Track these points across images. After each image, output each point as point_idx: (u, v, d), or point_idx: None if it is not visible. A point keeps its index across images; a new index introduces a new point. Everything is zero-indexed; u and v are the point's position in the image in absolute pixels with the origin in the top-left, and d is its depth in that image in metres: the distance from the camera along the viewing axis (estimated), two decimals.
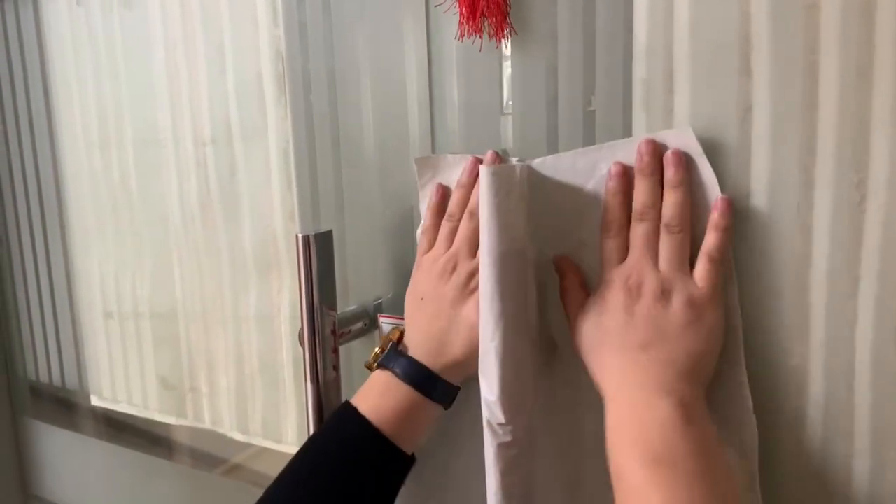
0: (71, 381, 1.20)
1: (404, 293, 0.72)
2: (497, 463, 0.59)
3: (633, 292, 0.57)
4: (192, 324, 1.00)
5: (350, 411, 0.65)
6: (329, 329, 0.74)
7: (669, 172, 0.58)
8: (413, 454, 0.66)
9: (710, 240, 0.57)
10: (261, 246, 0.90)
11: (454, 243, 0.67)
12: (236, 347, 0.96)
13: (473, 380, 0.62)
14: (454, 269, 0.66)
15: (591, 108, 0.63)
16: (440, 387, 0.65)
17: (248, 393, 0.96)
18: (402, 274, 0.78)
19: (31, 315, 1.23)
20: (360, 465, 0.63)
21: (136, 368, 1.08)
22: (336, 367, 0.76)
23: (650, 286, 0.57)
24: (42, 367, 1.23)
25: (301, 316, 0.73)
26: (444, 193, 0.70)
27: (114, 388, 1.12)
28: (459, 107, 0.71)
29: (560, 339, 0.65)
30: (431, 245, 0.70)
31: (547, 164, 0.63)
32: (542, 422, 0.64)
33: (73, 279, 1.14)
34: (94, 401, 1.16)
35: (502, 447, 0.59)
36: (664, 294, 0.56)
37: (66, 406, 1.22)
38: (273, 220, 0.88)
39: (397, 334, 0.70)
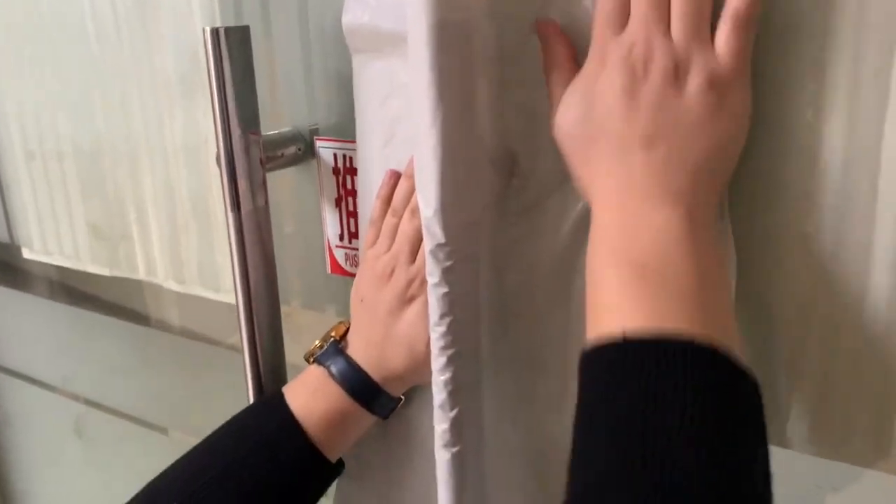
0: (0, 233, 1.09)
1: (346, 117, 0.60)
2: (439, 306, 0.50)
3: (638, 70, 0.43)
4: (118, 162, 0.88)
5: (277, 402, 0.59)
6: (252, 146, 0.63)
7: None
8: (340, 461, 0.60)
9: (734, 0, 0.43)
10: (182, 63, 0.77)
11: (394, 244, 0.58)
12: (165, 187, 0.85)
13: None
14: (392, 273, 0.58)
15: None
16: (377, 397, 0.59)
17: (181, 238, 0.86)
18: (345, 93, 0.66)
19: None
20: (275, 464, 0.57)
21: (65, 216, 0.98)
22: (265, 195, 0.65)
23: (660, 62, 0.42)
24: None
25: (215, 129, 0.61)
26: (394, 183, 0.59)
27: (44, 240, 1.02)
28: None
29: (524, 157, 0.53)
30: (377, 238, 0.60)
31: None
32: (497, 264, 0.54)
33: None
34: (26, 254, 1.06)
35: (446, 274, 0.49)
36: (678, 72, 0.42)
37: (0, 262, 1.13)
38: (193, 28, 0.75)
39: (342, 330, 0.62)
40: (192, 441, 0.97)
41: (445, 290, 0.50)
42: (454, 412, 0.53)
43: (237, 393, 0.90)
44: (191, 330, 0.95)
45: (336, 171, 0.68)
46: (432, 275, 0.50)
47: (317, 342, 0.62)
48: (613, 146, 0.43)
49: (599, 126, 0.44)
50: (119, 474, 1.13)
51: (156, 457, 1.05)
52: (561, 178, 0.52)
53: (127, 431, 1.07)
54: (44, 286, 1.09)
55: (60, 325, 1.09)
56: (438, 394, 0.53)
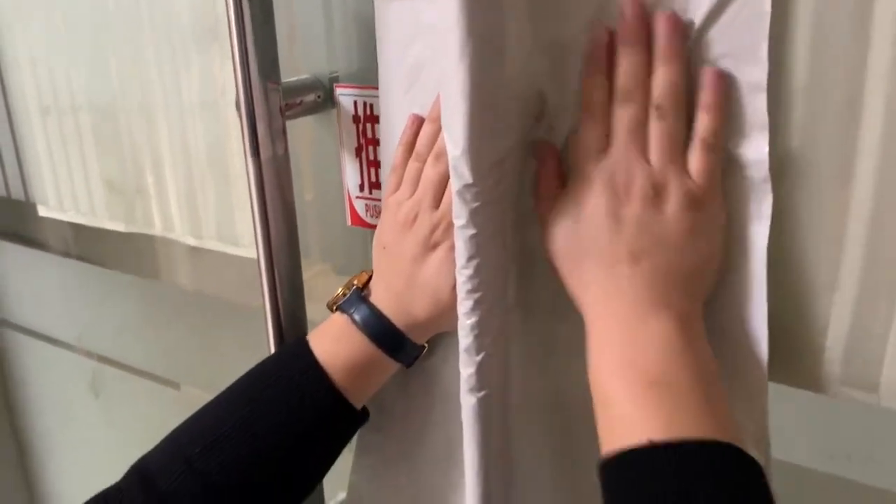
0: (16, 191, 1.09)
1: (366, 63, 0.59)
2: (466, 248, 0.49)
3: (620, 193, 0.47)
4: (133, 116, 0.88)
5: (302, 348, 0.58)
6: (271, 93, 0.62)
7: (661, 41, 0.47)
8: (364, 409, 0.60)
9: (703, 124, 0.46)
10: (198, 13, 0.76)
11: (418, 189, 0.57)
12: (182, 140, 0.84)
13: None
14: (415, 219, 0.57)
15: None
16: (402, 344, 0.58)
17: (198, 193, 0.86)
18: (366, 38, 0.65)
19: None
20: (301, 410, 0.56)
21: (81, 172, 0.97)
22: (284, 143, 0.64)
23: (640, 184, 0.46)
24: None
25: (234, 75, 0.60)
26: (417, 128, 0.58)
27: (59, 196, 1.02)
28: None
29: (551, 97, 0.52)
30: (399, 185, 0.59)
31: None
32: (523, 208, 0.53)
33: (5, 72, 1.01)
34: (41, 211, 1.06)
35: (473, 215, 0.49)
36: (657, 193, 0.46)
37: (15, 219, 1.13)
38: None
39: (364, 277, 0.61)
40: (206, 397, 0.98)
41: (473, 231, 0.49)
42: (480, 356, 0.52)
43: (251, 347, 0.90)
44: (205, 286, 0.95)
45: (356, 119, 0.67)
46: (459, 216, 0.49)
47: (339, 290, 0.61)
48: (602, 262, 0.47)
49: (588, 245, 0.48)
50: (134, 430, 1.14)
51: (170, 412, 1.05)
52: None
53: (141, 388, 1.07)
54: (59, 244, 1.08)
55: (75, 282, 1.09)
56: (464, 338, 0.52)
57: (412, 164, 0.58)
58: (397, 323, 0.58)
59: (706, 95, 0.46)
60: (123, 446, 1.17)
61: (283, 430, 0.56)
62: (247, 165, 0.63)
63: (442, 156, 0.55)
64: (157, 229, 0.92)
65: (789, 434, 0.54)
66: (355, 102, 0.67)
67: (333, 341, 0.58)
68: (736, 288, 0.49)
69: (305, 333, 0.72)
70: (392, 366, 0.59)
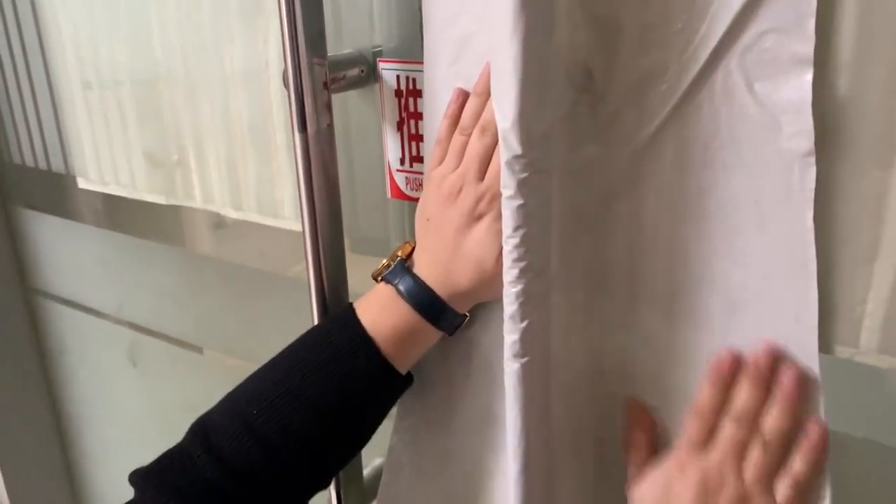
0: (56, 164, 1.11)
1: (409, 38, 0.60)
2: (513, 218, 0.51)
3: (710, 492, 0.51)
4: (175, 89, 0.89)
5: (349, 317, 0.60)
6: (318, 69, 0.63)
7: (784, 392, 0.51)
8: (409, 374, 0.62)
9: (799, 466, 0.51)
10: None
11: (462, 162, 0.58)
12: (223, 113, 0.86)
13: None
14: (460, 191, 0.58)
15: None
16: (444, 313, 0.60)
17: (238, 165, 0.87)
18: (409, 13, 0.66)
19: (8, 92, 1.13)
20: (351, 375, 0.58)
21: (121, 145, 0.99)
22: (329, 117, 0.66)
23: (730, 494, 0.51)
24: (26, 149, 1.15)
25: (283, 49, 0.62)
26: (462, 101, 0.60)
27: (100, 169, 1.04)
28: None
29: (598, 72, 0.54)
30: (443, 158, 0.61)
31: None
32: (568, 180, 0.54)
33: (47, 47, 1.03)
34: (82, 184, 1.08)
35: (521, 186, 0.50)
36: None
37: (55, 192, 1.15)
38: None
39: (408, 249, 0.63)
40: (244, 366, 1.00)
41: (520, 202, 0.51)
42: (524, 323, 0.54)
43: (290, 315, 0.93)
44: (244, 258, 0.97)
45: (398, 93, 0.69)
46: (507, 187, 0.51)
47: (384, 261, 0.63)
48: None
49: None
50: (172, 400, 1.17)
51: (208, 382, 1.08)
52: (636, 95, 0.53)
53: (180, 357, 1.09)
54: (99, 216, 1.11)
55: (114, 254, 1.12)
56: (509, 305, 0.54)
57: (457, 138, 0.59)
58: (440, 293, 0.59)
59: (810, 447, 0.50)
60: (160, 414, 1.20)
61: (334, 395, 0.58)
62: (294, 139, 0.64)
63: (488, 129, 0.56)
64: (198, 202, 0.94)
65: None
66: (398, 77, 0.68)
67: (380, 310, 0.60)
68: (784, 258, 0.50)
69: (346, 300, 0.74)
70: (435, 334, 0.61)
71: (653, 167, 0.54)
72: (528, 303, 0.54)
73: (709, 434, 0.53)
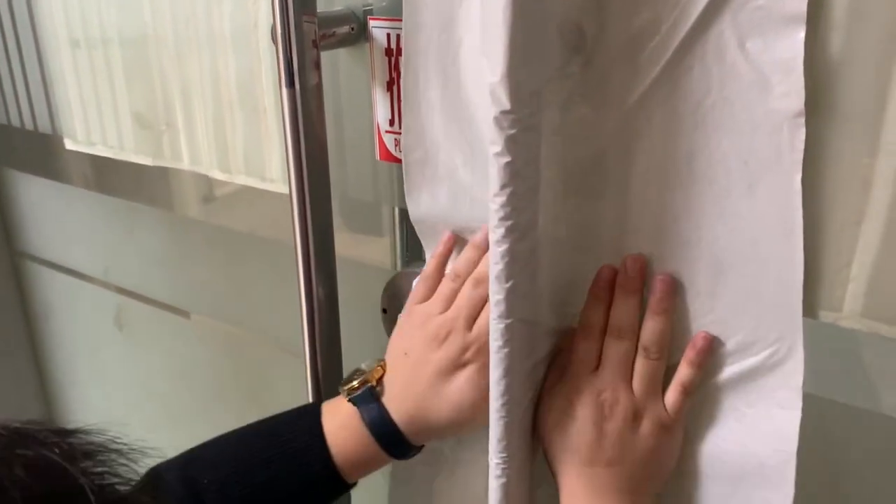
0: (43, 124, 1.10)
1: None
2: (499, 176, 0.50)
3: (606, 410, 0.56)
4: (163, 49, 0.88)
5: (313, 421, 0.63)
6: (307, 25, 0.63)
7: (655, 298, 0.55)
8: (355, 482, 0.65)
9: (684, 372, 0.56)
10: None
11: (452, 308, 0.62)
12: (212, 73, 0.85)
13: None
14: (447, 336, 0.61)
15: None
16: (402, 445, 0.62)
17: (227, 126, 0.87)
18: None
19: None
20: (301, 476, 0.62)
21: (109, 106, 0.98)
22: (318, 76, 0.65)
23: (623, 407, 0.56)
24: (12, 109, 1.13)
25: (272, 7, 0.61)
26: (452, 246, 0.65)
27: (87, 130, 1.03)
28: None
29: (590, 30, 0.53)
30: (427, 296, 0.64)
31: None
32: (557, 141, 0.54)
33: (34, 4, 1.02)
34: (69, 145, 1.07)
35: (508, 143, 0.50)
36: (635, 416, 0.56)
37: (42, 153, 1.14)
38: None
39: (379, 373, 0.64)
40: (231, 331, 1.00)
41: (508, 159, 0.50)
42: (509, 284, 0.54)
43: (277, 280, 0.92)
44: (231, 221, 0.96)
45: (389, 52, 0.68)
46: (495, 143, 0.50)
47: (354, 382, 0.64)
48: (582, 460, 0.56)
49: (573, 442, 0.56)
50: (158, 365, 1.16)
51: (192, 346, 1.08)
52: (627, 54, 0.52)
53: (165, 321, 1.09)
54: (85, 178, 1.10)
55: (101, 217, 1.11)
56: (495, 265, 0.53)
57: (447, 284, 0.62)
58: (405, 426, 0.61)
59: (693, 354, 0.55)
60: (146, 379, 1.20)
61: (282, 488, 0.62)
62: (281, 96, 0.64)
63: (482, 282, 0.59)
64: (185, 163, 0.93)
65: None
66: (388, 35, 0.68)
67: (340, 426, 0.63)
68: (771, 220, 0.50)
69: (334, 266, 0.74)
70: (389, 459, 0.64)
71: (643, 128, 0.53)
72: (513, 263, 0.53)
73: (597, 353, 0.58)
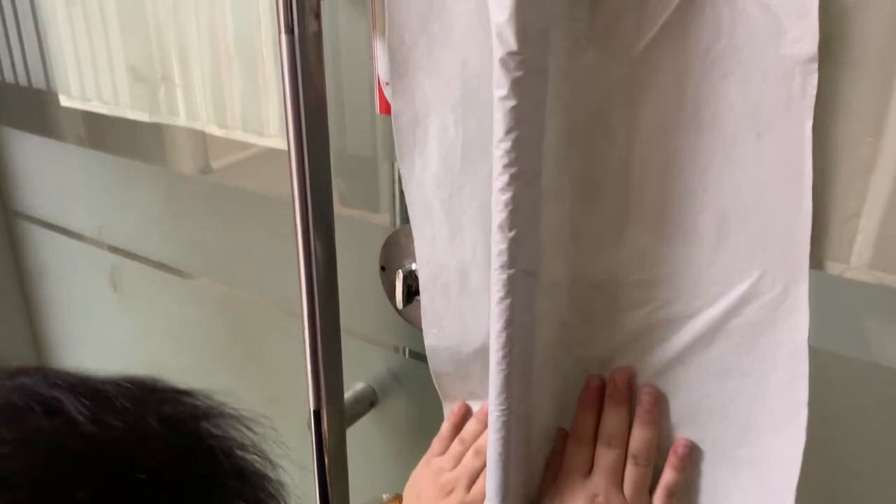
0: (37, 80, 1.08)
1: None
2: (505, 120, 0.49)
3: None
4: (159, 1, 0.86)
5: None
6: None
7: (642, 409, 0.59)
8: None
9: (668, 477, 0.59)
10: None
11: (457, 469, 0.69)
12: (209, 27, 0.83)
13: None
14: (451, 492, 0.68)
15: None
16: None
17: (224, 81, 0.85)
18: None
19: None
20: None
21: (104, 60, 0.96)
22: (318, 24, 0.64)
23: None
24: (6, 64, 1.12)
25: None
26: (465, 413, 0.73)
27: (82, 85, 1.01)
28: None
29: None
30: (442, 451, 0.72)
31: None
32: (564, 88, 0.53)
33: None
34: (64, 101, 1.05)
35: (514, 85, 0.48)
36: None
37: (36, 109, 1.12)
38: None
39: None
40: (229, 292, 0.99)
41: (513, 103, 0.49)
42: (513, 233, 0.53)
43: (273, 237, 0.91)
44: (228, 178, 0.95)
45: None
46: (500, 87, 0.49)
47: None
48: None
49: None
50: (153, 324, 1.16)
51: (189, 306, 1.07)
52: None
53: (161, 281, 1.08)
54: (81, 135, 1.08)
55: (97, 174, 1.10)
56: (498, 214, 0.52)
57: (457, 447, 0.70)
58: None
59: (676, 460, 0.59)
60: (142, 341, 1.20)
61: None
62: (280, 44, 0.62)
63: (481, 453, 0.66)
64: (182, 119, 0.92)
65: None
66: None
67: None
68: (779, 169, 0.49)
69: (332, 222, 0.73)
70: None
71: (650, 76, 0.52)
72: (517, 211, 0.52)
73: (589, 459, 0.62)
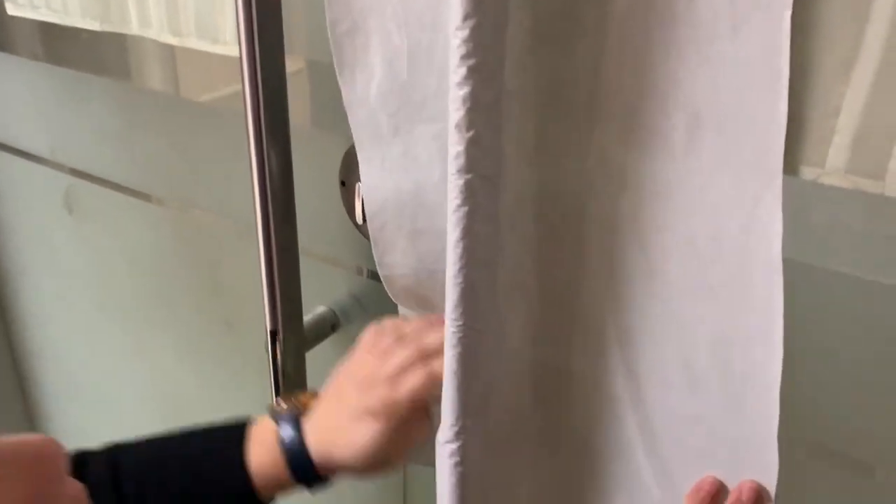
0: None
1: None
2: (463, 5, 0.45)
3: None
4: None
5: (238, 441, 0.64)
6: None
7: None
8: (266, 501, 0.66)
9: None
10: None
11: (386, 365, 0.63)
12: None
13: None
14: (370, 387, 0.63)
15: None
16: (310, 473, 0.63)
17: None
18: None
19: None
20: (218, 491, 0.64)
21: None
22: None
23: None
24: None
25: None
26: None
27: None
28: None
29: None
30: (374, 345, 0.66)
31: None
32: None
33: None
34: (10, 10, 1.00)
35: None
36: None
37: None
38: None
39: (309, 399, 0.66)
40: (181, 208, 0.95)
41: None
42: (471, 133, 0.49)
43: (230, 155, 0.88)
44: (183, 89, 0.91)
45: None
46: None
47: (283, 404, 0.65)
48: None
49: None
50: (110, 247, 1.12)
51: (146, 228, 1.03)
52: None
53: (118, 203, 1.04)
54: (29, 46, 1.03)
55: (48, 89, 1.04)
56: (455, 112, 0.49)
57: (390, 341, 0.64)
58: (316, 452, 0.63)
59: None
60: (101, 265, 1.16)
61: (194, 479, 0.64)
62: None
63: (420, 351, 0.62)
64: (134, 28, 0.87)
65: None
66: None
67: (259, 444, 0.64)
68: (756, 65, 0.46)
69: (287, 133, 0.70)
70: (294, 484, 0.64)
71: None
72: (475, 109, 0.49)
73: None
